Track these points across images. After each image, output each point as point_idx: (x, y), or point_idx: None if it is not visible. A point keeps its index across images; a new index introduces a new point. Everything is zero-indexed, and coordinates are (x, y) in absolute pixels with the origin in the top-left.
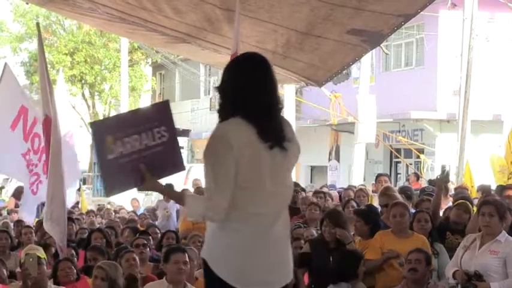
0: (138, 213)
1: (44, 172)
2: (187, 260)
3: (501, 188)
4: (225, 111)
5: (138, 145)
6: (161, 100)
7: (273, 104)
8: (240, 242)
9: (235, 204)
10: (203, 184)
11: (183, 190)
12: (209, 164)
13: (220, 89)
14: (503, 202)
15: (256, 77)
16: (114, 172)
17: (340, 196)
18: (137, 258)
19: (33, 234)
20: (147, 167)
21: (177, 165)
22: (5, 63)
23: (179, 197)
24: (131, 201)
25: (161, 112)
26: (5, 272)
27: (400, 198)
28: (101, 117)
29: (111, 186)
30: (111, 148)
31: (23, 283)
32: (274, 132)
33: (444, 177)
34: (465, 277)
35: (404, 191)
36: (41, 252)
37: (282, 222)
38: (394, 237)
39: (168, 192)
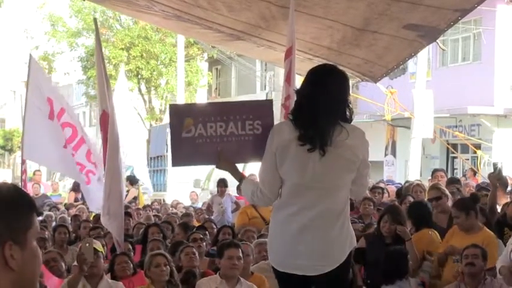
0: (196, 207)
1: (91, 162)
2: (241, 255)
3: None
4: (290, 113)
5: (223, 131)
6: (217, 93)
7: (320, 110)
8: (274, 228)
9: (280, 194)
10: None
11: (250, 176)
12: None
13: (296, 93)
14: None
15: (309, 86)
16: (185, 148)
17: (399, 191)
18: (196, 253)
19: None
20: (226, 151)
21: (259, 156)
22: (30, 55)
23: (240, 179)
24: (190, 194)
25: (261, 109)
26: (63, 266)
27: (448, 193)
28: (157, 112)
29: (178, 158)
30: (189, 128)
31: (79, 268)
32: (314, 136)
33: (496, 174)
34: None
35: (452, 181)
36: (98, 245)
37: (319, 215)
38: (463, 234)
39: (235, 173)
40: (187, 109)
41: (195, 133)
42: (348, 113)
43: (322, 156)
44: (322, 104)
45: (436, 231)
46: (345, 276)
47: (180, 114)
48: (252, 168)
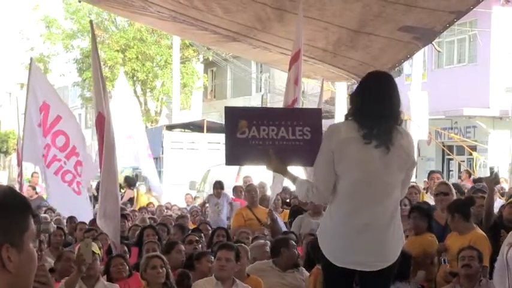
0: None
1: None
2: (232, 257)
3: None
4: (347, 114)
5: (274, 135)
6: (213, 95)
7: (383, 112)
8: (333, 223)
9: (336, 191)
10: (254, 181)
11: (245, 177)
12: (318, 154)
13: (351, 97)
14: None
15: (372, 91)
16: (239, 148)
17: None
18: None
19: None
20: (276, 153)
21: (308, 161)
22: (31, 58)
23: (293, 179)
24: (185, 196)
25: (311, 116)
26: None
27: (454, 193)
28: (153, 114)
29: (232, 157)
30: (243, 130)
31: (78, 269)
32: (379, 135)
33: (493, 178)
34: None
35: (456, 187)
36: (95, 247)
37: (377, 214)
38: (456, 234)
39: (286, 174)
40: (242, 112)
41: (249, 135)
42: (400, 118)
43: (386, 154)
44: (383, 106)
45: (434, 236)
46: (392, 274)
47: (235, 116)
48: (247, 171)
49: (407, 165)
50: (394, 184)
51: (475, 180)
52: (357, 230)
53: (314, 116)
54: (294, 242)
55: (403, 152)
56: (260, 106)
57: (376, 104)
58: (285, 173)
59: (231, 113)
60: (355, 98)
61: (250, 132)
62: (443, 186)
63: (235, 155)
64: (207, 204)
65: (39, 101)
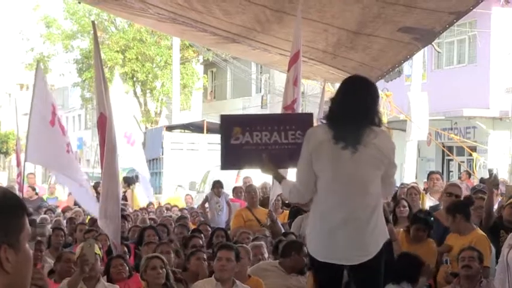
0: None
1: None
2: (233, 257)
3: None
4: (323, 118)
5: (267, 140)
6: (213, 96)
7: (349, 114)
8: (313, 221)
9: (316, 191)
10: (254, 182)
11: (245, 178)
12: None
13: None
14: None
15: (343, 94)
16: (233, 153)
17: (395, 194)
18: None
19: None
20: (270, 157)
21: None
22: (37, 61)
23: (279, 181)
24: (185, 197)
25: (303, 120)
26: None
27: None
28: (153, 115)
29: (227, 163)
30: (237, 136)
31: (81, 269)
32: (347, 136)
33: (492, 180)
34: None
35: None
36: (96, 248)
37: (355, 209)
38: (456, 235)
39: (277, 177)
40: (236, 119)
41: (242, 140)
42: (376, 118)
43: (354, 154)
44: (352, 108)
45: (434, 242)
46: (378, 267)
47: (230, 124)
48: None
49: (384, 163)
50: (369, 181)
51: (481, 181)
52: (336, 226)
53: (306, 120)
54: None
55: (376, 151)
56: (259, 107)
57: (344, 106)
58: (276, 175)
59: (226, 120)
60: (330, 102)
61: (244, 138)
62: (455, 188)
63: (229, 161)
64: (206, 204)
65: (49, 102)
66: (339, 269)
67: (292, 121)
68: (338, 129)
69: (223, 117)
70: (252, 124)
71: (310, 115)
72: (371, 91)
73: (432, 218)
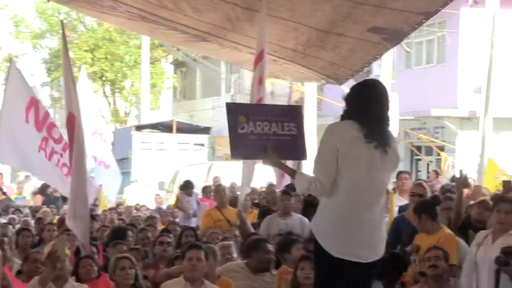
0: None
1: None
2: (202, 257)
3: None
4: (347, 116)
5: (268, 130)
6: (182, 96)
7: (380, 116)
8: (333, 219)
9: (337, 186)
10: (223, 182)
11: (294, 172)
12: (318, 150)
13: (347, 100)
14: None
15: (371, 94)
16: (242, 143)
17: None
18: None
19: (55, 232)
20: (272, 148)
21: (298, 155)
22: (11, 59)
23: (292, 173)
24: (154, 197)
25: (294, 113)
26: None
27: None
28: (122, 115)
29: (236, 152)
30: (243, 125)
31: (52, 266)
32: (378, 136)
33: (462, 181)
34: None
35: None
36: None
37: (375, 210)
38: (424, 235)
39: (284, 168)
40: (241, 108)
41: (248, 130)
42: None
43: (384, 155)
44: (379, 109)
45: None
46: (378, 268)
47: (236, 112)
48: (216, 172)
49: (396, 166)
50: (386, 183)
51: (452, 180)
52: (360, 225)
53: (296, 113)
54: (269, 247)
55: (394, 154)
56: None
57: (375, 105)
58: (281, 167)
59: (232, 109)
60: (353, 101)
61: (248, 127)
62: (419, 187)
63: (239, 150)
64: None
65: (26, 98)
66: (349, 266)
67: (286, 113)
68: (370, 127)
69: (229, 106)
70: (254, 113)
71: (300, 108)
72: (388, 96)
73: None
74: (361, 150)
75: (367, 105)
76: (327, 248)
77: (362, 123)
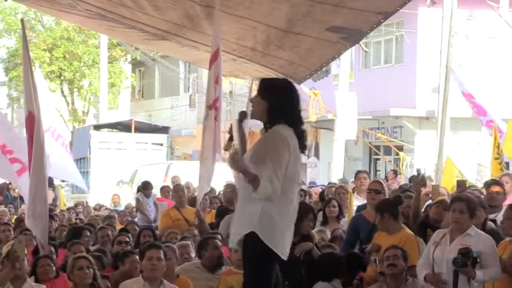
0: (119, 210)
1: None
2: (162, 256)
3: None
4: (273, 117)
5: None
6: (141, 95)
7: (301, 118)
8: (283, 221)
9: (282, 190)
10: (182, 181)
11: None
12: (269, 156)
13: (269, 99)
14: (474, 199)
15: (295, 98)
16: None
17: (322, 193)
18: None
19: (12, 232)
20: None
21: None
22: None
23: (254, 179)
24: (112, 197)
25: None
26: None
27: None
28: (80, 114)
29: None
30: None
31: (12, 265)
32: (303, 139)
33: (420, 180)
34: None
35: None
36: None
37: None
38: (385, 234)
39: (248, 173)
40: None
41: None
42: None
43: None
44: (298, 111)
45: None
46: None
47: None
48: (175, 171)
49: None
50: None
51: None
52: (290, 223)
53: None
54: (217, 242)
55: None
56: (188, 106)
57: (294, 109)
58: (246, 171)
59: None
60: (282, 102)
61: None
62: (376, 184)
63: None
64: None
65: None
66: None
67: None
68: (300, 134)
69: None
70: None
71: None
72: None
73: None
74: (299, 156)
75: (294, 110)
76: (276, 249)
77: (295, 129)
